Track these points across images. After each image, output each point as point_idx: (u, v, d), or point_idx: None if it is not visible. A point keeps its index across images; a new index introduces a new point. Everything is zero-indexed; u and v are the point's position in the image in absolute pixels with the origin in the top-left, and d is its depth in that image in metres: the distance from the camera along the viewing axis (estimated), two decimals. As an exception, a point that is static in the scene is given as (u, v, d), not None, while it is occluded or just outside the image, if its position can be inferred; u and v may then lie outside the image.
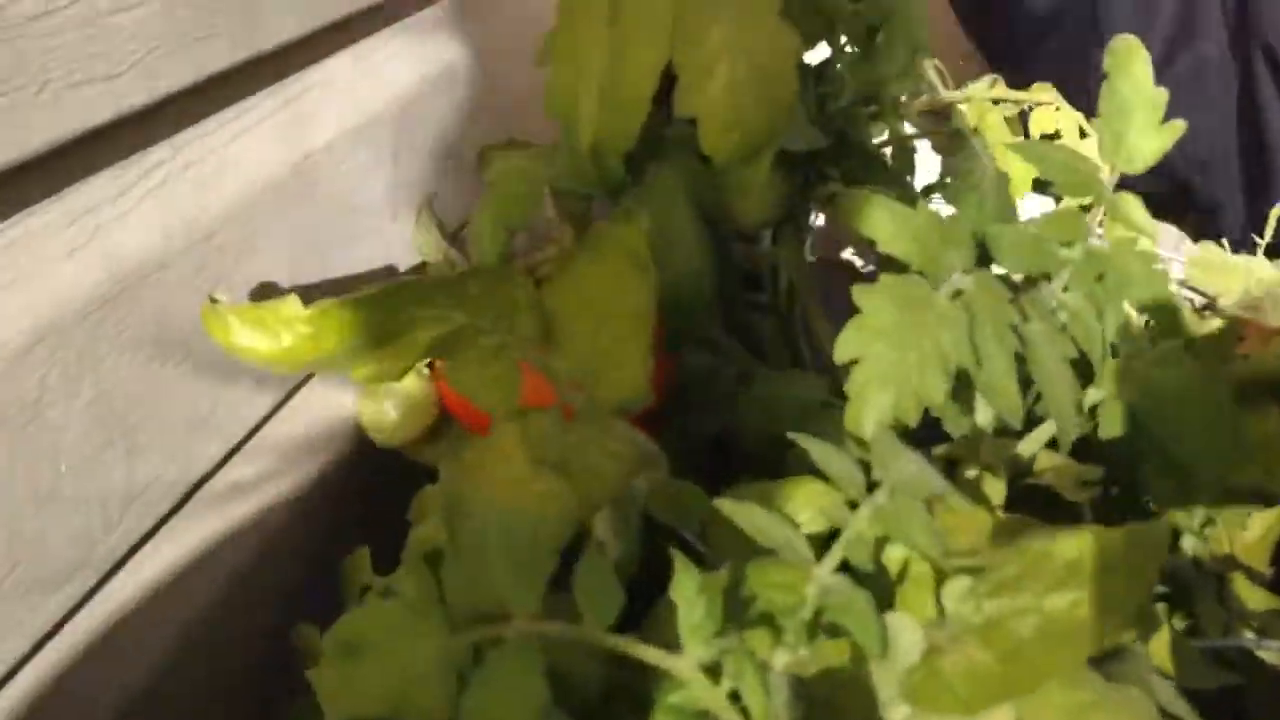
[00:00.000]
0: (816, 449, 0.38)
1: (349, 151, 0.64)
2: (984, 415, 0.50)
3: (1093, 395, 0.48)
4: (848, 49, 0.61)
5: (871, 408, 0.43)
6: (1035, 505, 0.49)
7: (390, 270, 0.69)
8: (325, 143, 0.60)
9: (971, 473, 0.47)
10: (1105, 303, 0.48)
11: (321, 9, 0.56)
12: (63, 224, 0.42)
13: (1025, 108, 0.78)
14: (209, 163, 0.50)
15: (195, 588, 0.51)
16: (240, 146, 0.52)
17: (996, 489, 0.45)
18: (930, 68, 0.63)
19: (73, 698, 0.44)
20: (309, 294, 0.49)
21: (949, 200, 0.55)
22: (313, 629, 0.57)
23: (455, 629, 0.34)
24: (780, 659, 0.35)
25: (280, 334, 0.45)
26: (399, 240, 0.74)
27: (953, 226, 0.46)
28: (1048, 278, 0.49)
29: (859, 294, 0.44)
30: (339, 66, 0.61)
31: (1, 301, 0.39)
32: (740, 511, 0.36)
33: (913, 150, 0.64)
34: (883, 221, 0.46)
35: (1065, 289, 0.49)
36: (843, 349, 0.43)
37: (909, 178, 0.66)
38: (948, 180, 0.57)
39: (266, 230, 0.55)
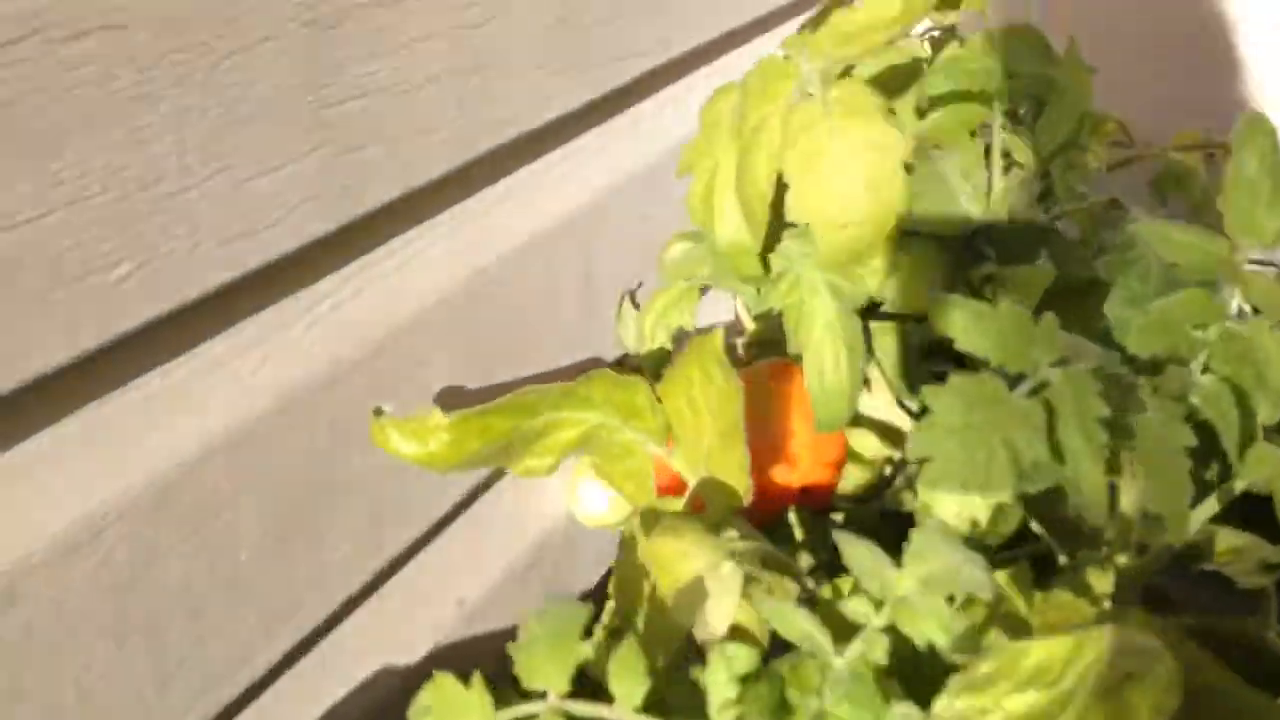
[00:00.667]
0: (847, 547, 0.39)
1: (529, 260, 0.67)
2: (1127, 499, 0.48)
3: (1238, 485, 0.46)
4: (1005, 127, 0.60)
5: (941, 505, 0.44)
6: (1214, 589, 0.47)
7: (591, 363, 0.73)
8: (500, 256, 0.64)
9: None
10: (1253, 387, 0.46)
11: (488, 133, 0.60)
12: (231, 356, 0.49)
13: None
14: (378, 288, 0.56)
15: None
16: (411, 270, 0.58)
17: (1103, 580, 0.45)
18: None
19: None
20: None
21: (1106, 273, 0.53)
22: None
23: (499, 704, 0.39)
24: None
25: (428, 441, 0.51)
26: (599, 335, 0.78)
27: (1038, 322, 0.45)
28: (1182, 361, 0.47)
29: (929, 394, 0.44)
30: (517, 182, 0.65)
31: (171, 425, 0.47)
32: (771, 611, 0.38)
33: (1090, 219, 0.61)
34: (958, 320, 0.46)
35: (1203, 372, 0.46)
36: (914, 448, 0.44)
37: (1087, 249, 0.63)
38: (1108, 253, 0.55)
39: (438, 343, 0.60)
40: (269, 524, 0.51)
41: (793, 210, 0.51)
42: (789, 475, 0.61)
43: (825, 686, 0.36)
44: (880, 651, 0.37)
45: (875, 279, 0.52)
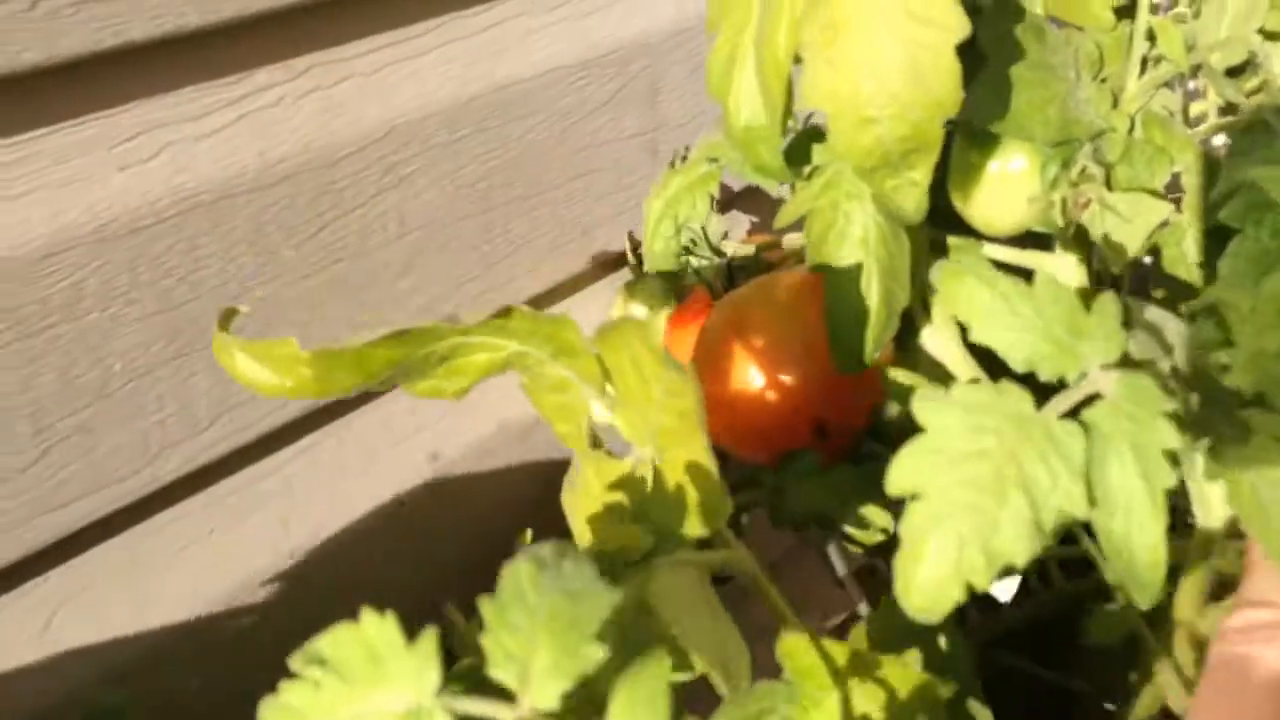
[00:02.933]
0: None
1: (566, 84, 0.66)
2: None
3: None
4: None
5: (928, 563, 0.30)
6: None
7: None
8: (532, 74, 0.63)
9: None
10: None
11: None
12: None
13: None
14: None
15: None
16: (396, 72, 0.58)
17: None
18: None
19: None
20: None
21: (1229, 219, 0.35)
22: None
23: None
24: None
25: (284, 374, 0.40)
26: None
27: (1096, 306, 0.29)
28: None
29: (921, 408, 0.30)
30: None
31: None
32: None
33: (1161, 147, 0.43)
34: (977, 301, 0.31)
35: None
36: (896, 479, 0.31)
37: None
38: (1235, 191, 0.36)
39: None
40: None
41: (806, 93, 0.37)
42: (800, 407, 0.48)
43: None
44: None
45: (912, 194, 0.37)
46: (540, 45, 0.66)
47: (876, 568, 0.58)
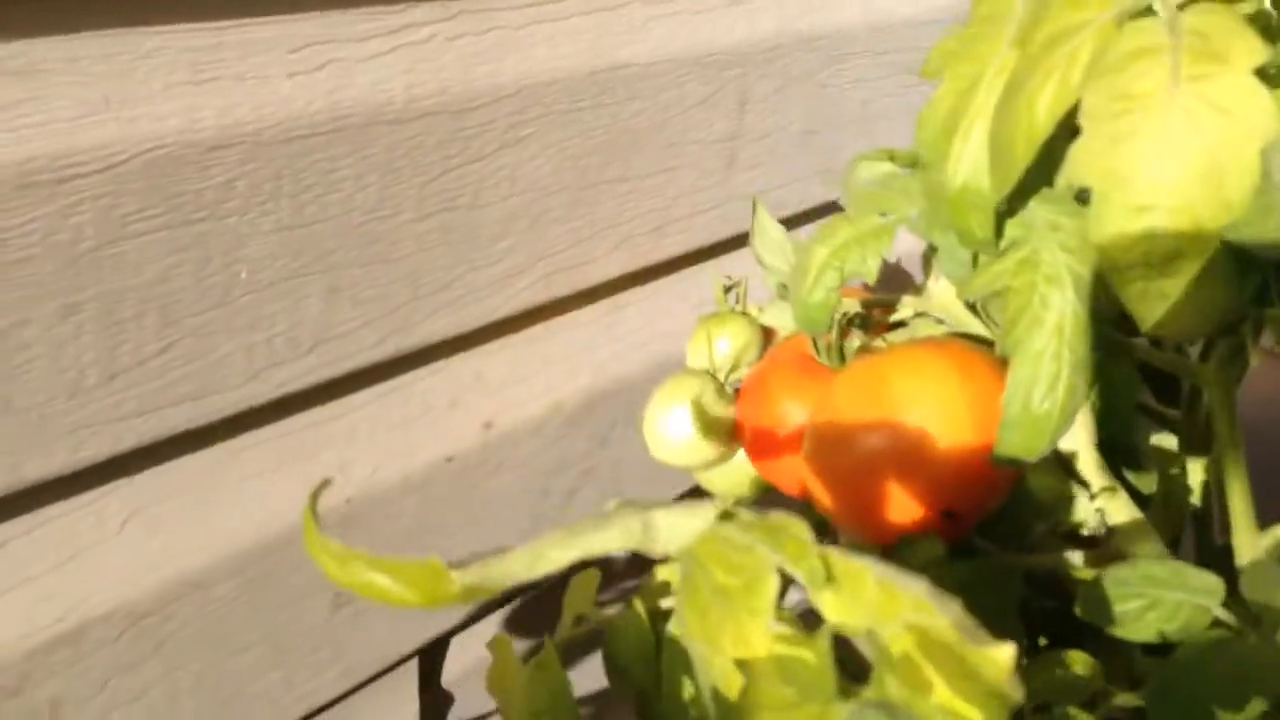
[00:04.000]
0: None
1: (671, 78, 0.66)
2: None
3: None
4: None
5: None
6: None
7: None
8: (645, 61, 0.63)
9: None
10: None
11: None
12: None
13: None
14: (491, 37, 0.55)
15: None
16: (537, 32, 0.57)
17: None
18: None
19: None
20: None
21: None
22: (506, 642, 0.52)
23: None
24: None
25: (424, 590, 0.33)
26: (733, 192, 0.74)
27: None
28: None
29: None
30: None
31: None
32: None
33: None
34: None
35: None
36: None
37: None
38: None
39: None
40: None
41: (1076, 166, 0.35)
42: (934, 494, 0.47)
43: None
44: None
45: (1157, 307, 0.37)
46: (656, 34, 0.65)
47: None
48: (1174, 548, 0.53)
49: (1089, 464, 0.48)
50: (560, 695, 0.49)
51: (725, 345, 0.58)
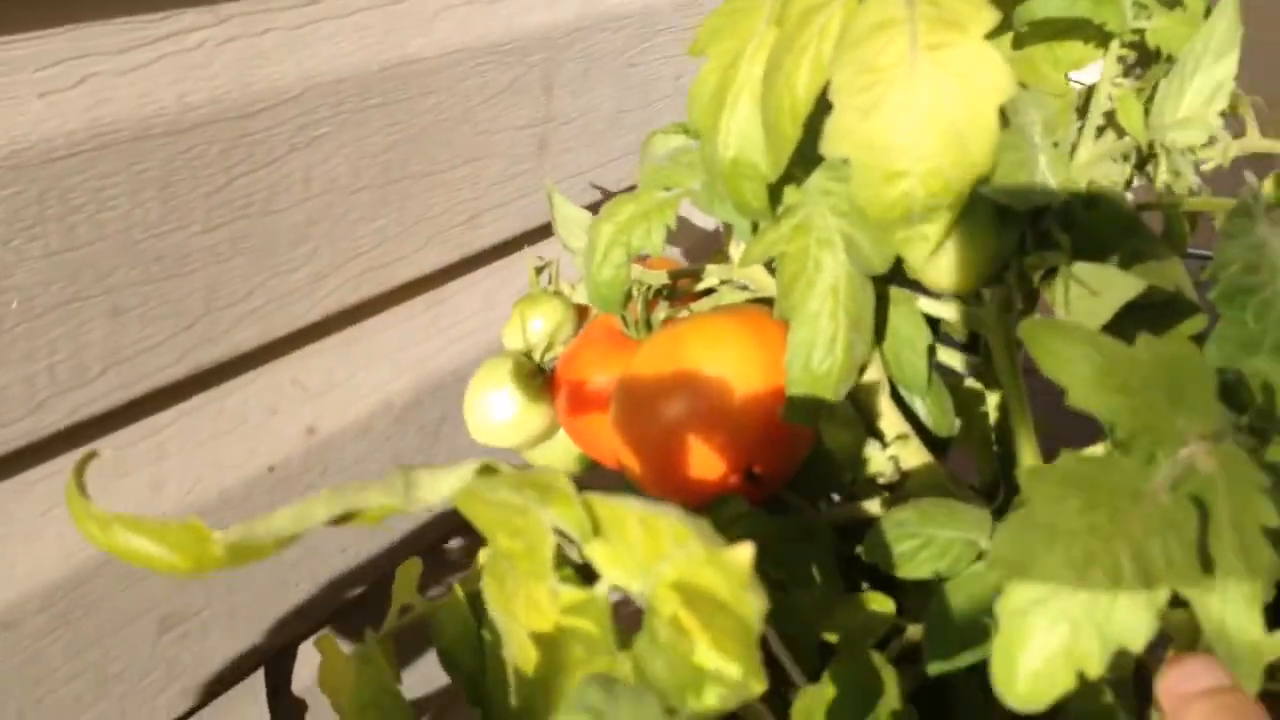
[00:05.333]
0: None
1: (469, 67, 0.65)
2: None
3: None
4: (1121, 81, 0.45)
5: (1035, 648, 0.30)
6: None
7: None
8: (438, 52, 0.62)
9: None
10: None
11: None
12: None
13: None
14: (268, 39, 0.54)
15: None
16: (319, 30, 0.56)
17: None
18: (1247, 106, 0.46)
19: None
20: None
21: (1219, 302, 0.38)
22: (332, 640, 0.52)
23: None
24: None
25: (184, 555, 0.32)
26: (548, 177, 0.75)
27: (1188, 373, 0.31)
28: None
29: (1028, 479, 0.30)
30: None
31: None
32: None
33: (1184, 220, 0.47)
34: (1076, 363, 0.31)
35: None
36: (1002, 555, 0.30)
37: (1180, 255, 0.49)
38: (1220, 274, 0.39)
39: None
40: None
41: (832, 140, 0.36)
42: (735, 453, 0.48)
43: None
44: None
45: (921, 249, 0.38)
46: (449, 24, 0.65)
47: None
48: (996, 487, 0.55)
49: (883, 414, 0.49)
50: (386, 687, 0.49)
51: (539, 325, 0.58)
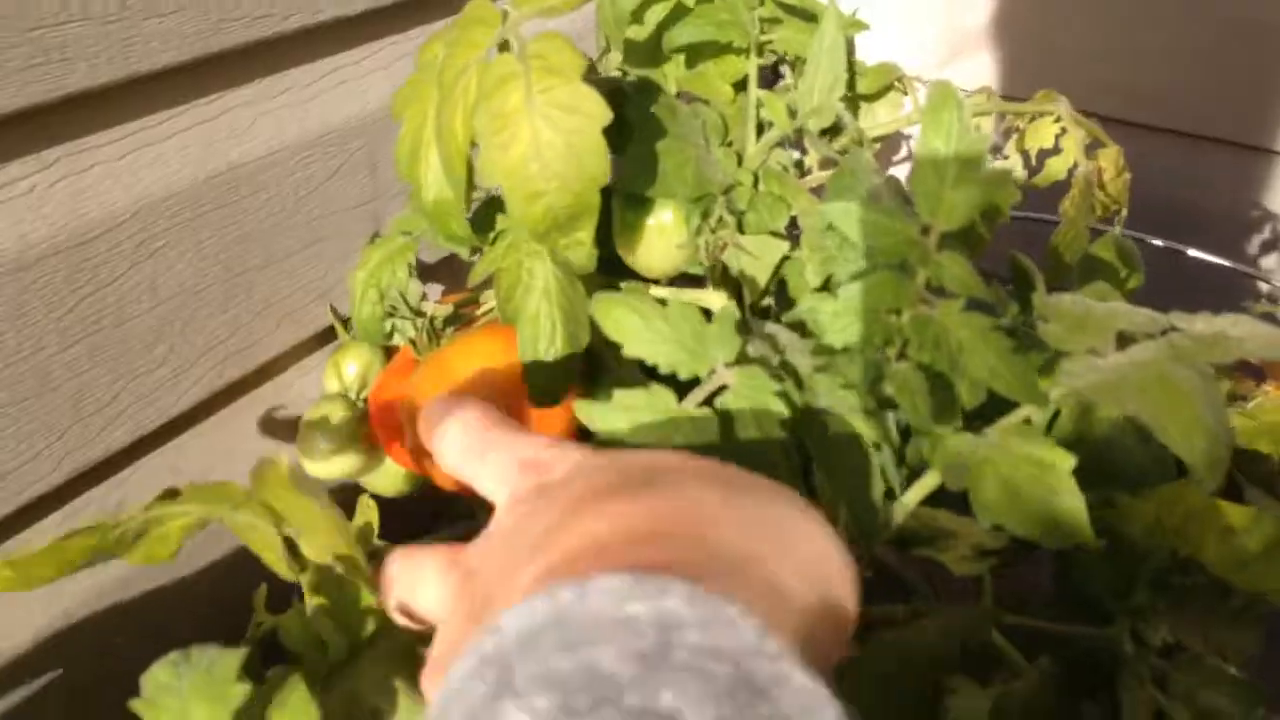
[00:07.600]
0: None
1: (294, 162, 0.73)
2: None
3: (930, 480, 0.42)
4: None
5: None
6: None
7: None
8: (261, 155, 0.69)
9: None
10: (950, 372, 0.41)
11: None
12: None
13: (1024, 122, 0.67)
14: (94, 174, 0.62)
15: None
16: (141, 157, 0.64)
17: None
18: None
19: None
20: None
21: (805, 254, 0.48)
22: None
23: None
24: None
25: None
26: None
27: (715, 320, 0.40)
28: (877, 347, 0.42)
29: (585, 411, 0.40)
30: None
31: None
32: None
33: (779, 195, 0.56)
34: (626, 323, 0.40)
35: (899, 358, 0.42)
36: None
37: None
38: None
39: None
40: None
41: (485, 173, 0.46)
42: None
43: None
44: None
45: (581, 251, 0.47)
46: (266, 129, 0.73)
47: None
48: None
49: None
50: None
51: (352, 369, 0.67)
